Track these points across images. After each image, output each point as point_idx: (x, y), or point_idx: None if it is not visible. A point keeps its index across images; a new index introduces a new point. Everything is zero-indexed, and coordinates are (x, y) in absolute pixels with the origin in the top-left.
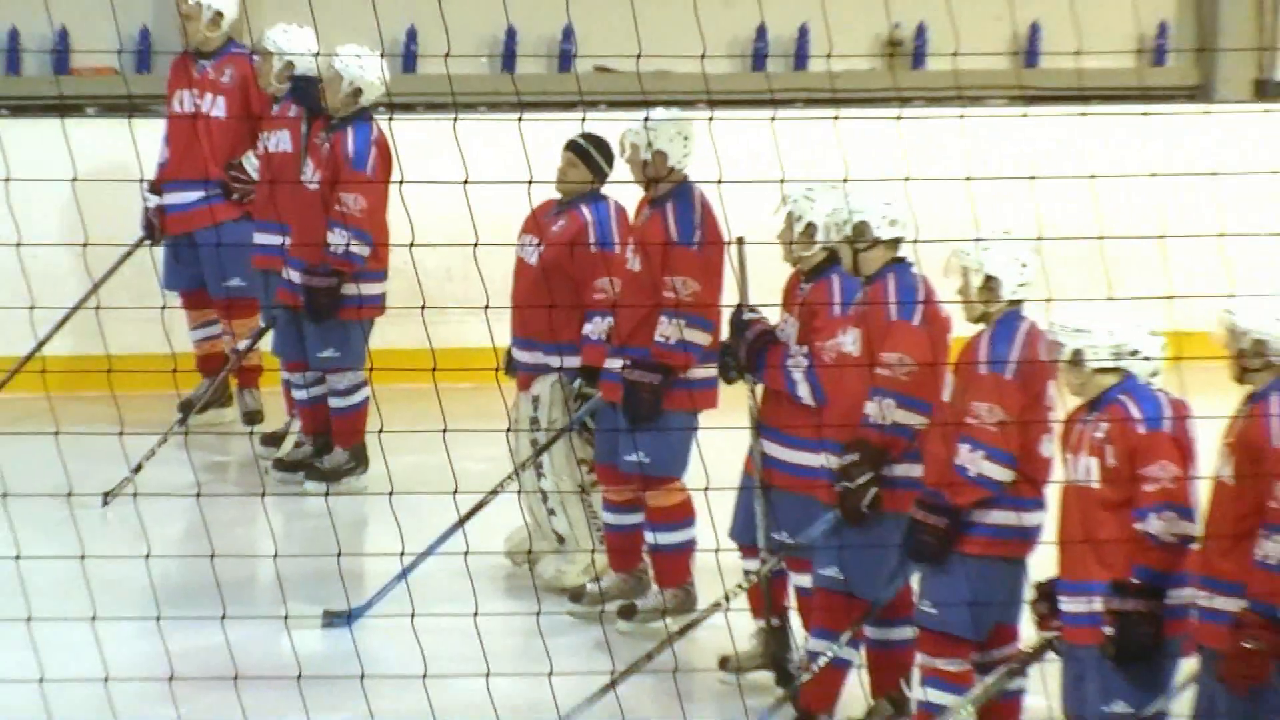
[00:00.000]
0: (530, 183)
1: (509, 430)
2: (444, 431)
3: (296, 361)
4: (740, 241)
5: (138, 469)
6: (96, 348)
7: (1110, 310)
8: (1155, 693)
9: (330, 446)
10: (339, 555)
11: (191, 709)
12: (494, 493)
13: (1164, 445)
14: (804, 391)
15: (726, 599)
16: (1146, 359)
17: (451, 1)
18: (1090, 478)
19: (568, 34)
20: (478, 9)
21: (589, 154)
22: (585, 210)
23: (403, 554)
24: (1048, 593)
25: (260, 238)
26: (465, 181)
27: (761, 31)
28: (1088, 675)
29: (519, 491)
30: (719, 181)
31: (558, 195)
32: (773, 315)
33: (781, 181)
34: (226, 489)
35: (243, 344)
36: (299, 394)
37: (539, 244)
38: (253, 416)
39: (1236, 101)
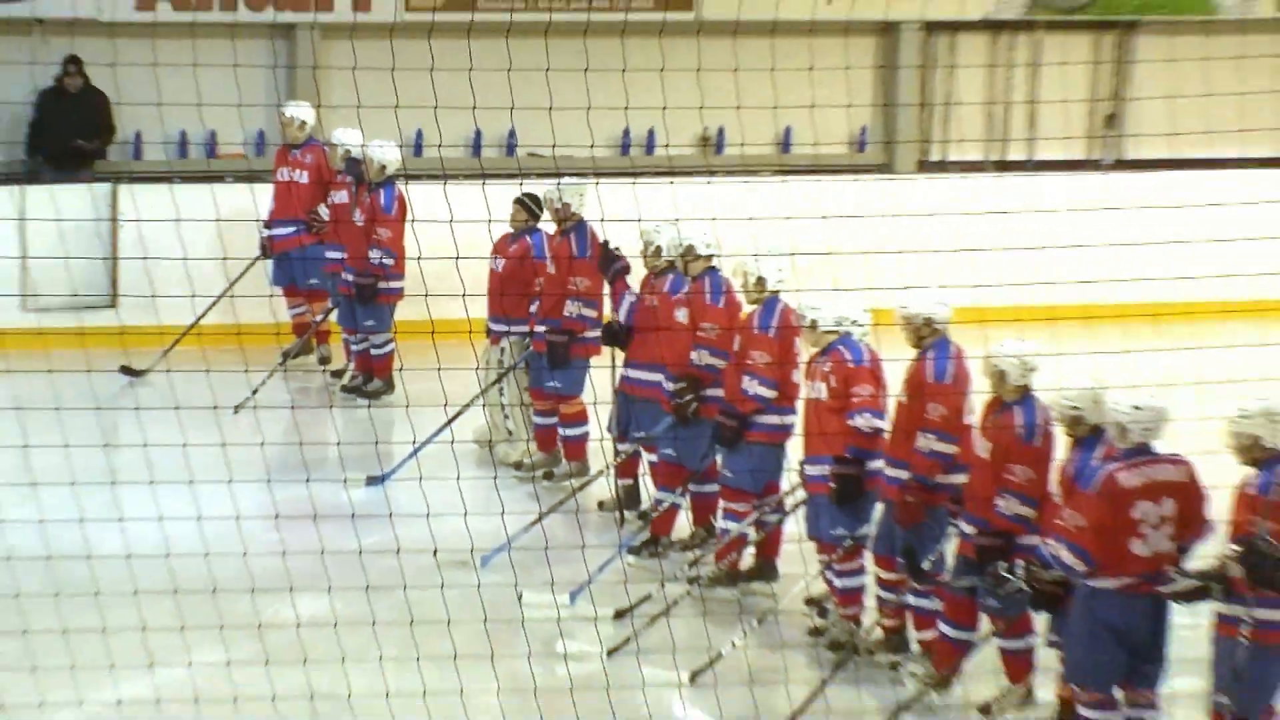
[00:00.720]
0: (490, 221)
1: (478, 368)
2: (439, 369)
3: (351, 328)
4: (606, 244)
5: (255, 391)
6: (231, 319)
7: (835, 296)
8: (861, 523)
9: (372, 378)
10: (376, 443)
11: (288, 535)
12: (468, 406)
13: (865, 375)
14: (623, 315)
15: (607, 468)
16: (859, 325)
17: (444, 113)
18: (821, 395)
19: (512, 134)
20: (458, 118)
21: (528, 204)
22: (528, 238)
23: (414, 442)
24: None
25: (329, 254)
26: (450, 220)
27: (626, 132)
28: (821, 512)
29: (484, 404)
30: (602, 220)
31: (510, 229)
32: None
33: (639, 221)
34: (309, 403)
35: (319, 317)
36: (354, 347)
37: (499, 259)
38: (325, 360)
39: (907, 174)
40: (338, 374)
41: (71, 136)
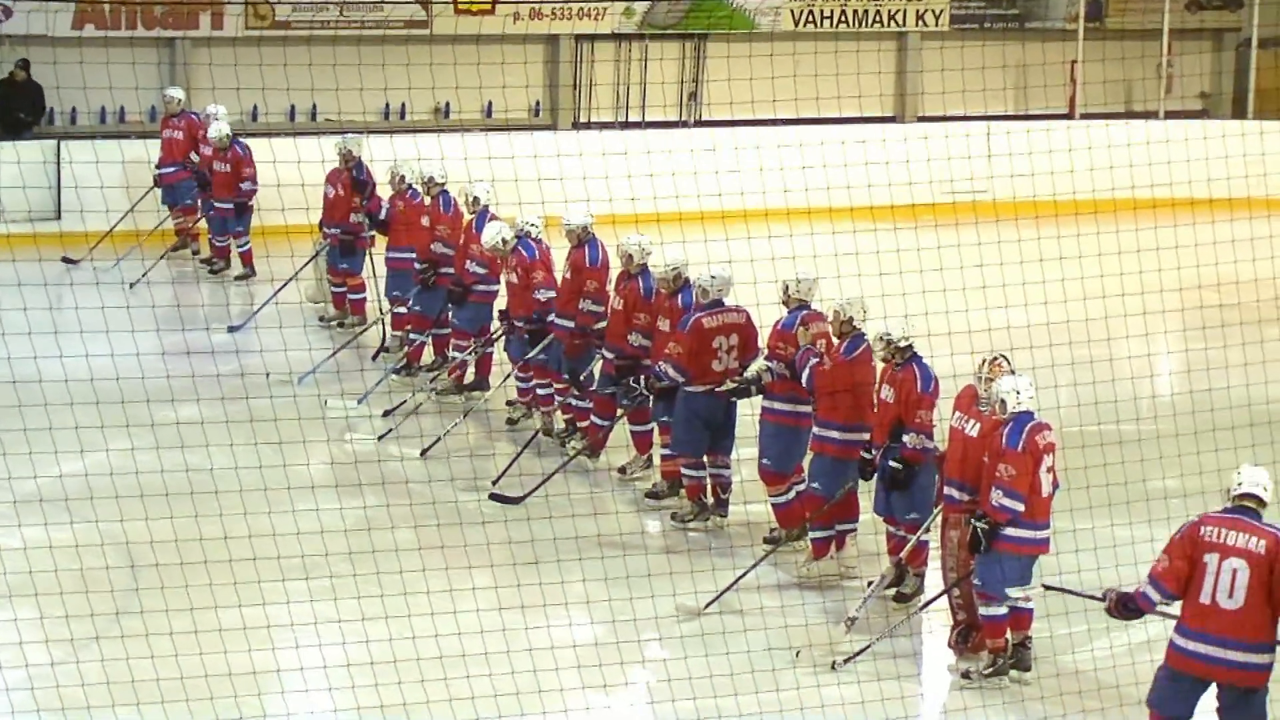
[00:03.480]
0: (299, 163)
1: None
2: (267, 257)
3: (223, 232)
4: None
5: (146, 274)
6: (133, 227)
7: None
8: (544, 353)
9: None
10: (228, 305)
11: (171, 365)
12: (289, 281)
13: (536, 265)
14: (383, 216)
15: (378, 320)
16: (535, 227)
17: (269, 93)
18: (513, 278)
19: (314, 107)
20: (279, 97)
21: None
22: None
23: (253, 305)
24: None
25: (201, 185)
26: (274, 162)
27: (387, 105)
28: (513, 346)
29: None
30: (372, 160)
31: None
32: None
33: (394, 160)
34: (186, 281)
35: (193, 224)
36: (218, 243)
37: (330, 186)
38: (196, 252)
39: (565, 129)
40: (206, 261)
41: (16, 112)
